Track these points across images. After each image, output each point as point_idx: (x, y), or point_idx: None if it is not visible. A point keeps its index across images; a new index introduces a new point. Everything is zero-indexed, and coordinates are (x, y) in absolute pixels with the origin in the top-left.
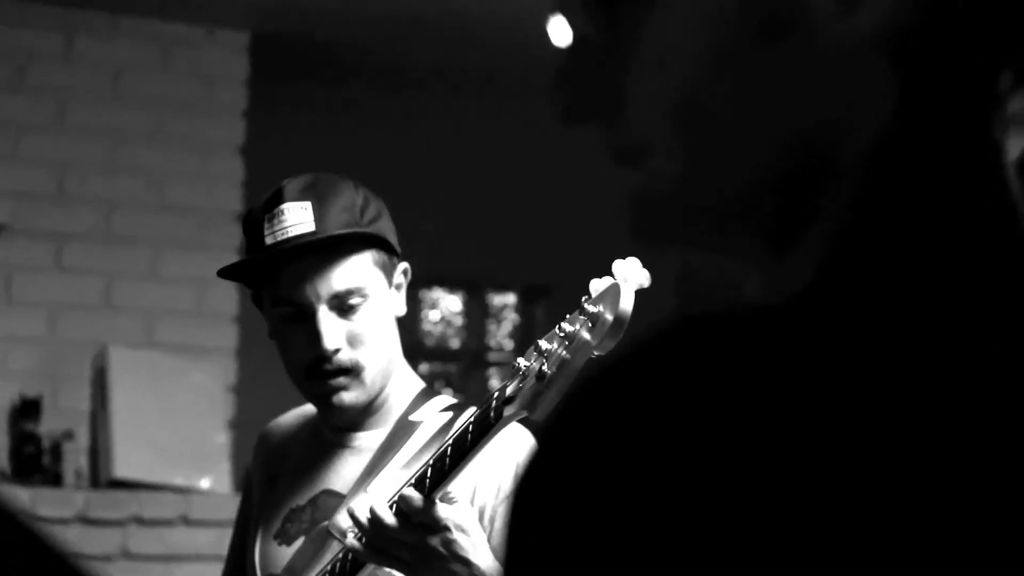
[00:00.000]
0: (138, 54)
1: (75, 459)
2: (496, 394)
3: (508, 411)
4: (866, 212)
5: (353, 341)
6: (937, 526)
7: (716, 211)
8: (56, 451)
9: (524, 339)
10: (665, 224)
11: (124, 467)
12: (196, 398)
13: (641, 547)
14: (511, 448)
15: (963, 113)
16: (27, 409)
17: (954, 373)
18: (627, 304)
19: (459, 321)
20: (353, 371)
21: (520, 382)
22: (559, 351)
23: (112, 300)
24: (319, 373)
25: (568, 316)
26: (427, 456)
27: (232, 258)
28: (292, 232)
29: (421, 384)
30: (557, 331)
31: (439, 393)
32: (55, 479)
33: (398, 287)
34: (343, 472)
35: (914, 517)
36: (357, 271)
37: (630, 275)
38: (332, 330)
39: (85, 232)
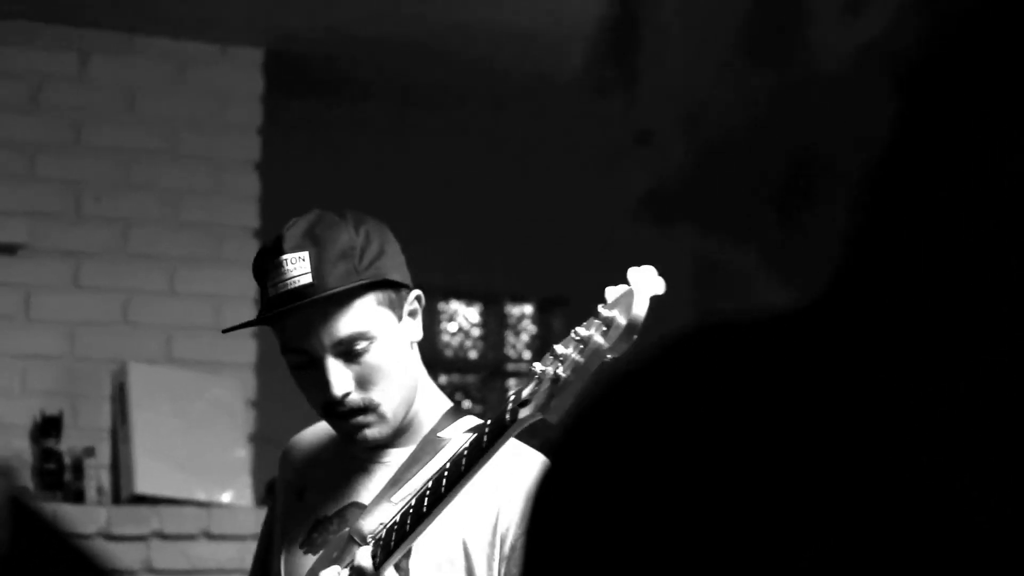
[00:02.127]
0: (152, 73)
1: (96, 475)
2: (512, 396)
3: (523, 413)
4: (872, 221)
5: (364, 383)
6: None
7: (716, 202)
8: (78, 468)
9: (542, 349)
10: (666, 208)
11: (145, 483)
12: (216, 413)
13: (659, 564)
14: (532, 475)
15: (967, 131)
16: (48, 426)
17: (967, 386)
18: (640, 310)
19: (477, 332)
20: (369, 409)
21: (536, 385)
22: (573, 355)
23: (130, 317)
24: (335, 414)
25: (584, 322)
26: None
27: (249, 275)
28: (291, 284)
29: (448, 403)
30: (572, 335)
31: (466, 413)
32: (77, 496)
33: (412, 314)
34: (371, 486)
35: (932, 537)
36: (360, 317)
37: (644, 282)
38: (340, 377)
39: (102, 250)
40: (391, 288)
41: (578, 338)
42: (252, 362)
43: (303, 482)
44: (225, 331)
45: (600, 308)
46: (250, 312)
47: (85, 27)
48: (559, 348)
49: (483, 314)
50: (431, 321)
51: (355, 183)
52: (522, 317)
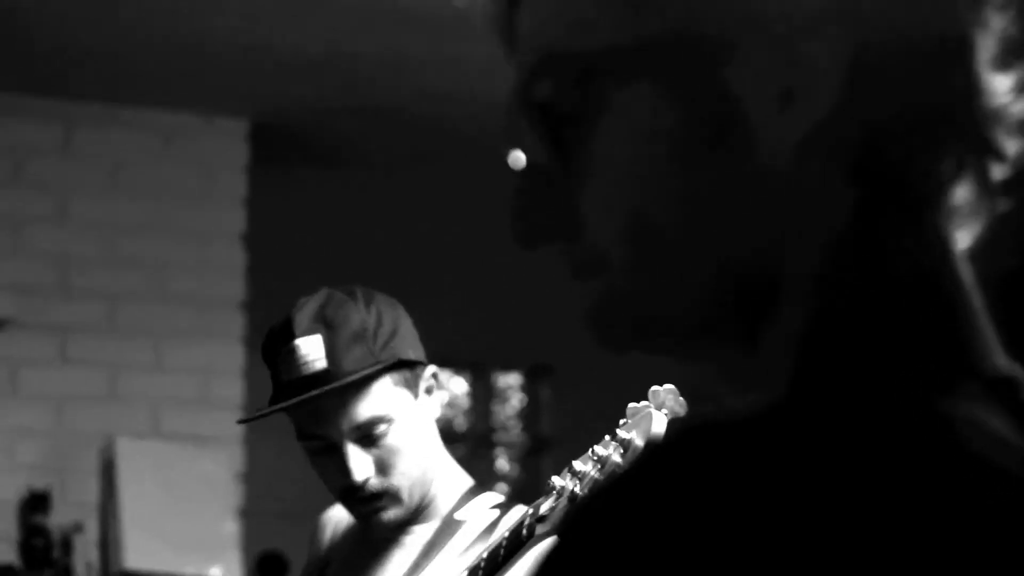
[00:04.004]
0: (137, 144)
1: (85, 551)
2: (531, 511)
3: (540, 529)
4: (827, 319)
5: (383, 467)
6: None
7: (671, 321)
8: (66, 544)
9: (530, 419)
10: (622, 334)
11: (135, 558)
12: (204, 487)
13: None
14: None
15: (910, 213)
16: (36, 502)
17: (929, 482)
18: (659, 430)
19: (465, 403)
20: (387, 494)
21: (554, 501)
22: (592, 473)
23: (118, 391)
24: (353, 499)
25: (603, 440)
26: (470, 556)
27: (236, 347)
28: (305, 371)
29: (469, 481)
30: (590, 454)
31: (487, 491)
32: (66, 572)
33: (428, 391)
34: (388, 567)
35: None
36: (378, 400)
37: (663, 402)
38: (359, 462)
39: (89, 324)
40: (406, 367)
41: (596, 457)
42: (240, 436)
43: (328, 557)
44: (240, 422)
45: (619, 427)
46: (238, 385)
47: (69, 99)
48: (577, 464)
49: (471, 384)
50: None
51: (341, 253)
52: (509, 387)
